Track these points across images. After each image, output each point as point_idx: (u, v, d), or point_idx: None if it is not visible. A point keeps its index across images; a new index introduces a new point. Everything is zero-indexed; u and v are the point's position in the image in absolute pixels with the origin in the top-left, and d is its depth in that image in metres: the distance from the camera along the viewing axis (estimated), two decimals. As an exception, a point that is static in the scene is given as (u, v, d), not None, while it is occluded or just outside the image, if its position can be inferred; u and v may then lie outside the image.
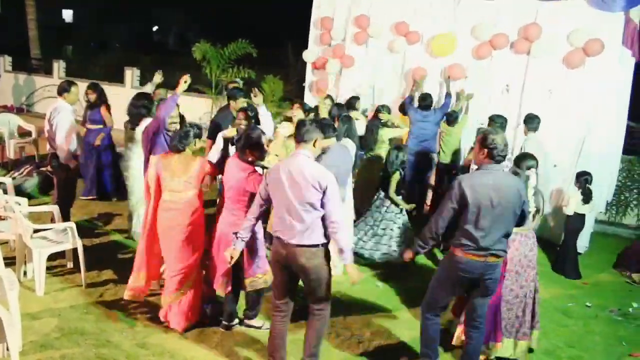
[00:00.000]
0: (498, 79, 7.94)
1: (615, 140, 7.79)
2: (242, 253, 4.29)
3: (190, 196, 4.51)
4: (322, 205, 3.76)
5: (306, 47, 9.72)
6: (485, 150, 3.86)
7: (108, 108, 7.87)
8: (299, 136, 3.89)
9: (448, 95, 7.93)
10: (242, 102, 6.43)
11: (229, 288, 4.59)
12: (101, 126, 7.80)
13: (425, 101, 7.76)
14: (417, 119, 7.70)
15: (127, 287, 4.81)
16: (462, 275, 3.94)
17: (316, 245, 3.81)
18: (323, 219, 3.80)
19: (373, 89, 8.96)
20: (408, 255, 4.26)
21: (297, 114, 6.51)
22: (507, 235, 3.94)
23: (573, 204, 6.58)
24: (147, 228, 4.69)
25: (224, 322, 4.69)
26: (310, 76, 9.70)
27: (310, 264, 3.82)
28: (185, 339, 4.53)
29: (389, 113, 7.59)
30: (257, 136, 4.39)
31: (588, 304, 6.06)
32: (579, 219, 6.66)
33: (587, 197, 6.54)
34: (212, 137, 6.14)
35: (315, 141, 3.87)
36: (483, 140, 3.88)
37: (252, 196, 4.22)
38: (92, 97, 7.78)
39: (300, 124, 3.97)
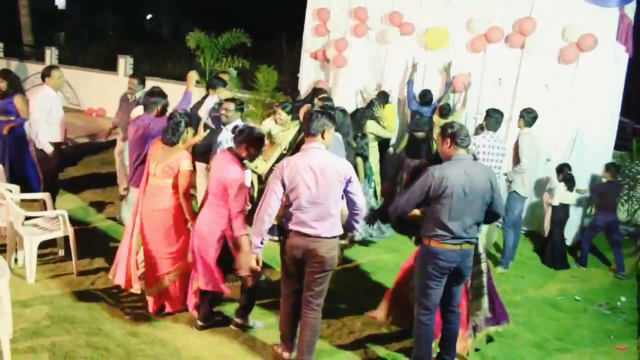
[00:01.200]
0: (492, 72, 7.94)
1: (607, 135, 7.83)
2: (228, 250, 4.35)
3: (168, 184, 4.53)
4: (345, 195, 3.87)
5: (301, 38, 9.67)
6: (449, 139, 3.94)
7: (23, 98, 6.52)
8: (307, 129, 3.89)
9: (448, 84, 7.96)
10: (224, 93, 6.45)
11: (209, 287, 4.42)
12: (13, 118, 6.42)
13: (425, 98, 7.78)
14: (416, 110, 7.76)
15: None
16: (442, 264, 3.96)
17: (335, 237, 3.91)
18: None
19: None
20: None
21: (282, 116, 6.38)
22: (478, 224, 3.99)
23: (558, 195, 6.77)
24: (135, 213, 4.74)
25: (198, 322, 4.54)
26: (308, 69, 9.60)
27: (330, 255, 3.88)
28: (176, 328, 4.54)
29: (383, 105, 7.53)
30: (259, 133, 4.39)
31: (577, 297, 6.12)
32: (565, 209, 6.89)
33: (571, 185, 6.80)
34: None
35: (324, 132, 3.86)
36: (443, 131, 4.00)
37: (238, 192, 4.19)
38: (2, 85, 6.48)
39: (307, 117, 3.95)
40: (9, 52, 15.47)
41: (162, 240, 4.58)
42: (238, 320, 4.60)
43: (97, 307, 4.76)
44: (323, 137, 3.88)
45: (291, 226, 3.90)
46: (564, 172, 6.86)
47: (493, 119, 6.00)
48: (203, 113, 6.18)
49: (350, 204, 3.94)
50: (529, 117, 6.35)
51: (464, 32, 8.05)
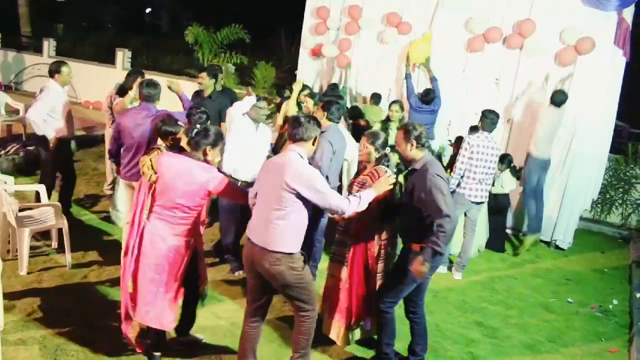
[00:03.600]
0: (490, 72, 7.94)
1: (603, 138, 7.85)
2: (197, 258, 4.02)
3: None
4: (306, 204, 3.51)
5: (299, 35, 9.66)
6: (414, 141, 3.96)
7: None
8: (296, 135, 3.57)
9: (434, 79, 7.97)
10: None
11: (173, 324, 3.95)
12: None
13: (427, 96, 7.78)
14: (416, 107, 7.77)
15: None
16: (432, 266, 3.95)
17: (284, 253, 3.52)
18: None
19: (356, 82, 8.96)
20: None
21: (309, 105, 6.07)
22: None
23: (509, 183, 7.19)
24: None
25: (153, 353, 3.98)
26: (306, 67, 9.58)
27: (276, 270, 3.53)
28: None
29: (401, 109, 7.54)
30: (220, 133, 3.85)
31: (570, 299, 6.14)
32: (507, 197, 7.29)
33: (517, 174, 7.34)
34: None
35: (315, 139, 3.65)
36: (406, 134, 3.98)
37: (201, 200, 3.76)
38: None
39: (296, 122, 3.62)
40: (7, 42, 15.41)
41: None
42: (186, 338, 4.26)
43: (89, 300, 4.75)
44: (313, 144, 3.67)
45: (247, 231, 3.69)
46: (507, 161, 7.09)
47: (488, 119, 5.99)
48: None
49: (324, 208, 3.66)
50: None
51: (462, 31, 8.04)
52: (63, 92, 6.12)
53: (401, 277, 4.02)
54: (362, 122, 7.65)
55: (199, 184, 3.66)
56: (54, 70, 6.04)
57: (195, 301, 4.17)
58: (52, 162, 6.18)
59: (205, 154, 3.71)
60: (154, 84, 5.15)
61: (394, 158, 4.51)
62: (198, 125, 3.81)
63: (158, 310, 3.77)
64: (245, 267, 3.80)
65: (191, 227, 3.80)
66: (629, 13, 7.46)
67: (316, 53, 9.28)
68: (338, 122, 5.17)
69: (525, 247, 7.23)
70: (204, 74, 6.51)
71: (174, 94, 5.73)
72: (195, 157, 3.70)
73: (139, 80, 5.72)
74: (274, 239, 3.52)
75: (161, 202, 3.73)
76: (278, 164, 3.57)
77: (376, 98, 8.29)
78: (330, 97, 5.92)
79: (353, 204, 3.63)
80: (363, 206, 3.72)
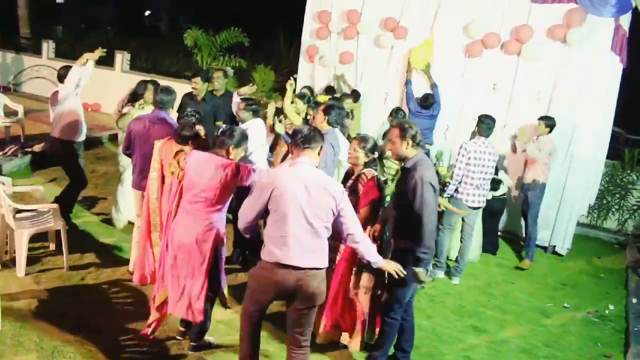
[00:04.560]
0: (488, 77, 7.97)
1: (600, 144, 7.88)
2: (217, 265, 4.03)
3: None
4: (336, 220, 3.45)
5: (299, 38, 9.68)
6: (410, 139, 3.96)
7: None
8: (304, 142, 3.45)
9: (434, 85, 7.99)
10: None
11: (202, 317, 4.03)
12: None
13: (426, 101, 7.82)
14: (415, 111, 7.80)
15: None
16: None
17: (324, 268, 3.46)
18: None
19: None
20: None
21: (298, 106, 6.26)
22: None
23: (507, 180, 7.30)
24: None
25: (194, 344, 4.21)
26: (306, 68, 9.61)
27: (320, 289, 3.44)
28: (167, 325, 4.52)
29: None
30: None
31: (566, 304, 6.16)
32: (502, 200, 7.30)
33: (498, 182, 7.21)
34: None
35: (320, 149, 3.55)
36: (402, 132, 3.98)
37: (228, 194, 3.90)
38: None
39: (300, 129, 3.56)
40: (6, 43, 15.39)
41: None
42: (198, 342, 4.24)
43: (86, 302, 4.75)
44: (319, 155, 3.57)
45: (269, 254, 3.40)
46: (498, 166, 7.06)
47: (485, 124, 6.02)
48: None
49: (344, 228, 3.51)
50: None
51: (460, 36, 8.07)
52: (76, 95, 6.19)
53: (400, 284, 4.01)
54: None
55: (219, 176, 3.80)
56: (62, 75, 6.09)
57: (211, 304, 4.17)
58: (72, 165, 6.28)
59: (228, 152, 3.90)
60: (168, 91, 5.08)
61: (394, 166, 4.55)
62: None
63: (186, 302, 3.96)
64: (270, 292, 3.49)
65: (215, 223, 3.92)
66: (625, 20, 7.51)
67: (311, 55, 9.32)
68: (337, 127, 5.20)
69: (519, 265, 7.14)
70: (197, 79, 6.69)
71: None
72: (220, 155, 3.89)
73: (150, 87, 5.78)
74: (322, 257, 3.43)
75: (187, 198, 3.92)
76: (307, 180, 3.35)
77: (356, 95, 8.41)
78: (332, 102, 5.95)
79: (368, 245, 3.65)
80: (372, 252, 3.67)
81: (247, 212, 3.50)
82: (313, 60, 9.37)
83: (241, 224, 3.55)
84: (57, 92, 6.16)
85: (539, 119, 7.07)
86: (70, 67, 6.12)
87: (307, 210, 3.32)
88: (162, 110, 5.04)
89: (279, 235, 3.35)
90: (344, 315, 4.38)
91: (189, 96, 6.76)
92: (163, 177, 4.53)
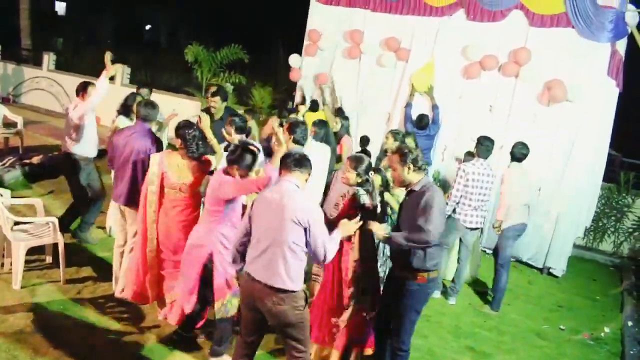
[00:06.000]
0: (485, 99, 8.05)
1: (596, 167, 7.94)
2: (211, 269, 4.15)
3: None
4: (306, 244, 3.47)
5: (300, 56, 9.76)
6: (411, 164, 3.91)
7: None
8: (294, 164, 3.55)
9: (435, 106, 8.06)
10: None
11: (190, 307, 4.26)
12: None
13: (422, 122, 7.88)
14: (411, 132, 7.85)
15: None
16: (431, 293, 4.04)
17: (288, 291, 3.46)
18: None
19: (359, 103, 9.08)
20: None
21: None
22: None
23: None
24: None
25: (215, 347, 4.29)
26: (307, 86, 9.70)
27: (279, 309, 3.46)
28: (161, 341, 4.51)
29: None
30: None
31: (562, 326, 6.16)
32: None
33: None
34: None
35: (309, 176, 3.64)
36: (403, 157, 3.93)
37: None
38: None
39: (292, 152, 3.66)
40: (7, 55, 15.47)
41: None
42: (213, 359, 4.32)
43: (82, 316, 4.73)
44: (306, 180, 3.62)
45: (247, 267, 3.57)
46: None
47: (484, 146, 6.05)
48: None
49: (313, 254, 3.53)
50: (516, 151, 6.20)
51: (459, 58, 8.17)
52: (92, 110, 6.14)
53: (411, 313, 3.98)
54: None
55: (214, 189, 4.08)
56: (79, 90, 6.13)
57: (205, 305, 4.34)
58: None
59: (233, 172, 4.09)
60: (151, 105, 5.14)
61: (377, 180, 4.56)
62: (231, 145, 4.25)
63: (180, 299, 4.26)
64: (243, 301, 3.70)
65: (211, 230, 4.14)
66: (621, 45, 7.62)
67: (295, 74, 9.43)
68: (303, 145, 5.06)
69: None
70: (217, 98, 6.37)
71: None
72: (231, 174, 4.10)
73: (137, 99, 5.80)
74: (279, 276, 3.42)
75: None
76: (279, 199, 3.45)
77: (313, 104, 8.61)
78: (295, 119, 5.90)
79: (334, 248, 3.60)
80: (336, 247, 3.65)
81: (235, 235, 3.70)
82: (294, 76, 9.56)
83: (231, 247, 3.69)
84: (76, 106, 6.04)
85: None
86: (89, 83, 6.10)
87: (277, 232, 3.41)
88: (146, 123, 5.08)
89: (254, 253, 3.52)
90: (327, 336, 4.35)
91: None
92: (162, 190, 4.58)
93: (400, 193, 4.90)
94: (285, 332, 3.56)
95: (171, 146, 4.85)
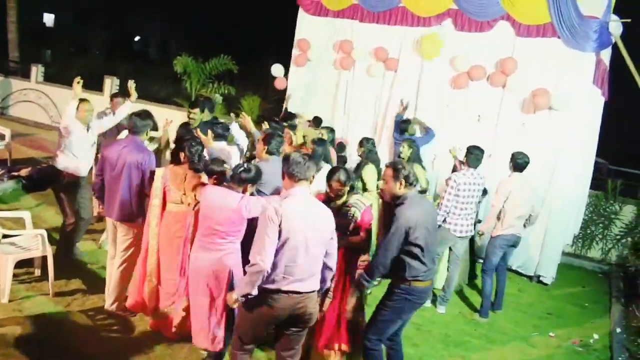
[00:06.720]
0: (473, 108, 8.12)
1: (583, 175, 8.02)
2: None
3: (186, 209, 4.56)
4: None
5: (288, 67, 9.81)
6: (403, 180, 4.03)
7: None
8: (298, 174, 3.56)
9: (429, 128, 8.20)
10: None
11: (221, 345, 4.17)
12: None
13: (405, 124, 7.96)
14: (397, 140, 7.95)
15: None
16: (419, 302, 4.12)
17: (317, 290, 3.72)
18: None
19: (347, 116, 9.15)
20: None
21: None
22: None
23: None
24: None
25: None
26: (294, 99, 9.73)
27: (316, 310, 3.73)
28: (153, 354, 4.49)
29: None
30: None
31: (551, 334, 6.19)
32: None
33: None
34: None
35: (313, 177, 3.69)
36: (395, 172, 4.05)
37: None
38: None
39: (294, 160, 3.59)
40: (-6, 67, 15.42)
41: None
42: None
43: (72, 329, 4.70)
44: (310, 182, 3.67)
45: (276, 284, 3.47)
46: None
47: (473, 155, 6.09)
48: None
49: (327, 258, 3.70)
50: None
51: (447, 68, 8.24)
52: (83, 128, 6.06)
53: (383, 312, 4.11)
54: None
55: (232, 209, 3.98)
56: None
57: (230, 332, 4.17)
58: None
59: (245, 189, 4.11)
60: (140, 116, 5.01)
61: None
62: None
63: (207, 332, 4.14)
64: (269, 322, 3.62)
65: (230, 254, 4.07)
66: (606, 54, 7.72)
67: (280, 84, 9.50)
68: (278, 155, 5.00)
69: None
70: (196, 110, 6.42)
71: None
72: (235, 190, 4.08)
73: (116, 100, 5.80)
74: (317, 279, 3.66)
75: (202, 230, 4.11)
76: (313, 211, 3.59)
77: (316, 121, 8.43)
78: (272, 130, 5.88)
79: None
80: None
81: (268, 252, 3.41)
82: (279, 84, 9.65)
83: (267, 263, 3.40)
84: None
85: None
86: (84, 100, 6.10)
87: (311, 239, 3.50)
88: (136, 135, 5.02)
89: (284, 265, 3.46)
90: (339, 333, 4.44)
91: (185, 126, 6.44)
92: (164, 204, 4.59)
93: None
94: (299, 337, 3.71)
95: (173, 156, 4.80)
